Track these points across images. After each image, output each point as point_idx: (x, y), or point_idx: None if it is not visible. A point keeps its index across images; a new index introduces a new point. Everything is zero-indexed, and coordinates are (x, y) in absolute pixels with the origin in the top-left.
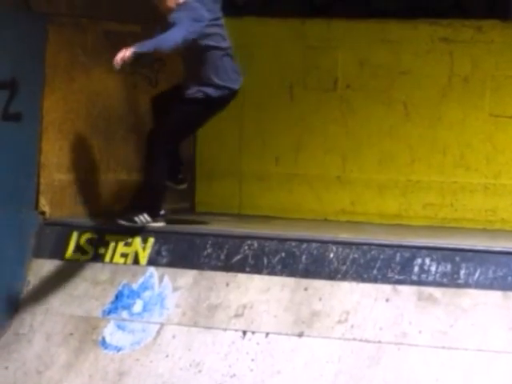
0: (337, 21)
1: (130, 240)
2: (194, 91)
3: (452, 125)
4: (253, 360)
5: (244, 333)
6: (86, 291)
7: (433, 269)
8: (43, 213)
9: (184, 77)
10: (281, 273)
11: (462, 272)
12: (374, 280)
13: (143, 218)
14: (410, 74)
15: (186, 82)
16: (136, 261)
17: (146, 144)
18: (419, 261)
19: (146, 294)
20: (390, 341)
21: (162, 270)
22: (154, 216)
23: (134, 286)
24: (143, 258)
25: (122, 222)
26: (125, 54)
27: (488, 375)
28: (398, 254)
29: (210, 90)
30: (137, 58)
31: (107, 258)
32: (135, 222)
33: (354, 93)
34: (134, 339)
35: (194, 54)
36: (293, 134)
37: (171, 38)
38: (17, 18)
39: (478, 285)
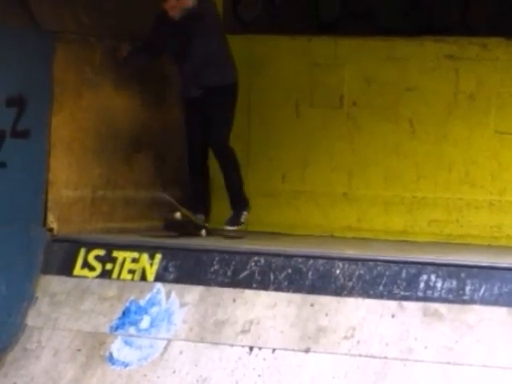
0: (343, 38)
1: (137, 256)
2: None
3: (457, 142)
4: (259, 376)
5: (251, 348)
6: (94, 307)
7: (438, 285)
8: (51, 229)
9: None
10: (287, 289)
11: (468, 288)
12: (380, 296)
13: (244, 215)
14: (416, 91)
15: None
16: (143, 277)
17: (219, 157)
18: (425, 277)
19: (154, 310)
20: (395, 356)
21: (169, 286)
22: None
23: (142, 302)
24: (150, 274)
25: (234, 228)
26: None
27: None
28: (404, 271)
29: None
30: None
31: (115, 275)
32: (243, 223)
33: (360, 110)
34: (141, 355)
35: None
36: (299, 151)
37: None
38: (25, 35)
39: (484, 301)
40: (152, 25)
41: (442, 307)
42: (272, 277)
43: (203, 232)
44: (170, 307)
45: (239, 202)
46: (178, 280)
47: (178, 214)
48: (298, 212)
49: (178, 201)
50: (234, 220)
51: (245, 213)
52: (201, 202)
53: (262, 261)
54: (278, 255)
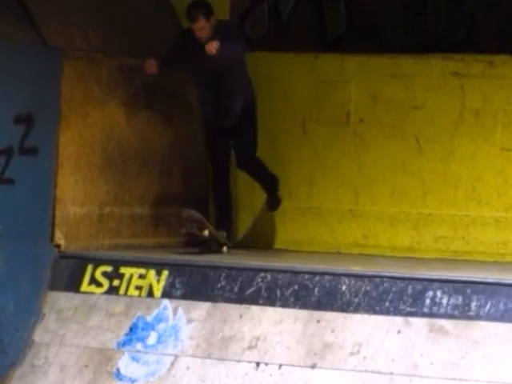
0: (349, 56)
1: (144, 272)
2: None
3: (464, 159)
4: None
5: (257, 364)
6: (101, 323)
7: (444, 301)
8: (58, 246)
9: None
10: (294, 305)
11: (473, 304)
12: (386, 312)
13: (279, 191)
14: (423, 108)
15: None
16: (150, 293)
17: (248, 169)
18: (431, 293)
19: (161, 326)
20: (401, 372)
21: (176, 302)
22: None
23: (149, 319)
24: (157, 290)
25: (275, 198)
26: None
27: None
28: (410, 287)
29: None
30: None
31: (122, 291)
32: (280, 199)
33: (366, 127)
34: (148, 371)
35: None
36: (306, 168)
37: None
38: (32, 52)
39: (489, 317)
40: (175, 38)
41: (447, 323)
42: (278, 293)
43: (225, 249)
44: (176, 323)
45: (271, 183)
46: (184, 296)
47: (206, 232)
48: (305, 228)
49: (188, 218)
50: (273, 202)
51: (279, 188)
52: (224, 219)
53: (269, 277)
54: (284, 271)
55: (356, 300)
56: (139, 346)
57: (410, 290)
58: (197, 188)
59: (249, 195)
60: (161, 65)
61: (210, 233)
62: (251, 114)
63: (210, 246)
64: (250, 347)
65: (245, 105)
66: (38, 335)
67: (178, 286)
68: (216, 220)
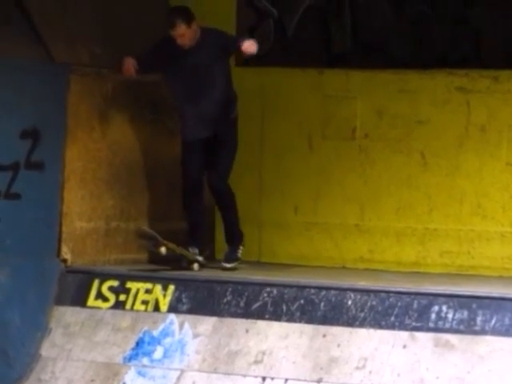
0: (355, 71)
1: (150, 287)
2: (233, 110)
3: (469, 174)
4: None
5: (263, 379)
6: (107, 338)
7: (450, 316)
8: (65, 260)
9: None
10: (300, 320)
11: (479, 319)
12: (392, 327)
13: (241, 250)
14: (428, 123)
15: (226, 103)
16: (157, 308)
17: (218, 198)
18: (436, 308)
19: (167, 341)
20: None
21: (182, 316)
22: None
23: (155, 333)
24: (164, 305)
25: (232, 265)
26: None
27: None
28: (416, 302)
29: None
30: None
31: (128, 305)
32: (240, 258)
33: (372, 142)
34: None
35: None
36: (312, 183)
37: None
38: (39, 68)
39: (495, 331)
40: (155, 43)
41: (453, 338)
42: (284, 308)
43: (195, 266)
44: (183, 338)
45: (235, 237)
46: (191, 311)
47: (163, 249)
48: (311, 243)
49: (142, 235)
50: (232, 256)
51: (241, 247)
52: (195, 236)
53: (275, 292)
54: (290, 286)
55: (362, 315)
56: (145, 360)
57: (415, 305)
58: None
59: (254, 209)
60: (138, 66)
61: (168, 249)
62: (231, 134)
63: (180, 263)
64: (256, 362)
65: (225, 118)
66: (45, 350)
67: (184, 300)
68: (187, 236)
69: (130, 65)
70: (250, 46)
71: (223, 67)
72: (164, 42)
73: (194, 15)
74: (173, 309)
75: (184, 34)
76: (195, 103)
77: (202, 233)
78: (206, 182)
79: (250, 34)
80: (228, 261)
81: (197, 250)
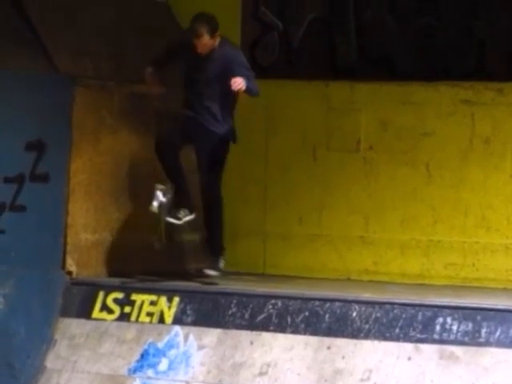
0: (359, 83)
1: (155, 299)
2: (226, 131)
3: (473, 186)
4: None
5: None
6: (112, 350)
7: (454, 328)
8: (70, 272)
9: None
10: (304, 331)
11: (483, 331)
12: (397, 339)
13: (222, 262)
14: (433, 135)
15: (216, 121)
16: (161, 320)
17: (206, 197)
18: (441, 320)
19: (172, 353)
20: None
21: (187, 328)
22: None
23: (160, 345)
24: (169, 316)
25: (216, 273)
26: (242, 83)
27: None
28: (420, 313)
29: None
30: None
31: (133, 317)
32: (222, 269)
33: (376, 154)
34: None
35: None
36: (316, 195)
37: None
38: (44, 80)
39: (499, 343)
40: (170, 43)
41: (458, 350)
42: (289, 319)
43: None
44: (188, 350)
45: (217, 247)
46: (195, 323)
47: (154, 204)
48: (315, 255)
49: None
50: (215, 265)
51: (222, 259)
52: (185, 196)
53: (279, 304)
54: (294, 298)
55: (366, 326)
56: (150, 372)
57: (420, 317)
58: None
59: (259, 221)
60: (155, 70)
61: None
62: (221, 150)
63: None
64: (261, 374)
65: (215, 135)
66: (50, 361)
67: (189, 312)
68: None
69: (151, 82)
70: (236, 82)
71: (224, 86)
72: (180, 46)
73: (218, 25)
74: (178, 321)
75: (206, 44)
76: (192, 109)
77: (189, 193)
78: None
79: (255, 46)
80: (213, 268)
81: (187, 211)
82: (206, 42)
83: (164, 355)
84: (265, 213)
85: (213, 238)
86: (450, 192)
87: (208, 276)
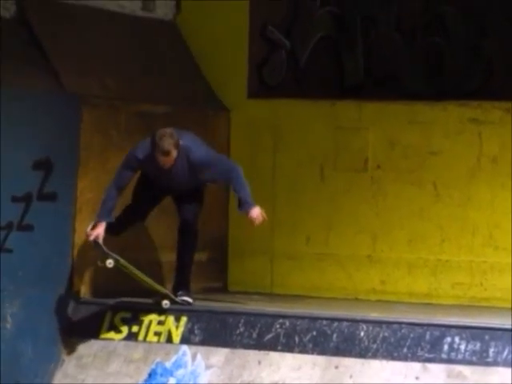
0: (367, 102)
1: (163, 319)
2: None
3: (481, 205)
4: None
5: None
6: (120, 369)
7: (462, 347)
8: (78, 292)
9: None
10: (312, 351)
11: (491, 350)
12: (404, 358)
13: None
14: (440, 154)
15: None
16: (169, 339)
17: (187, 233)
18: (449, 339)
19: (179, 372)
20: None
21: (194, 348)
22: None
23: (168, 365)
24: (176, 336)
25: (189, 300)
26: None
27: None
28: (428, 333)
29: None
30: None
31: (141, 337)
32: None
33: (384, 173)
34: None
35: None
36: (324, 214)
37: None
38: (51, 99)
39: (507, 363)
40: (128, 165)
41: (465, 369)
42: (297, 339)
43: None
44: (195, 369)
45: (186, 284)
46: (203, 342)
47: (109, 262)
48: (323, 274)
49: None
50: (189, 293)
51: (187, 294)
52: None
53: (287, 323)
54: (302, 318)
55: (374, 346)
56: None
57: (427, 336)
58: (215, 233)
59: (266, 240)
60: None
61: (120, 266)
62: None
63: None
64: None
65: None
66: (58, 381)
67: (196, 332)
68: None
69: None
70: (258, 216)
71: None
72: (138, 164)
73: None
74: (185, 340)
75: (173, 158)
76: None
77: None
78: (180, 216)
79: (262, 65)
80: (185, 295)
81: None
82: (173, 157)
83: (172, 375)
84: (272, 232)
85: (184, 275)
86: (458, 211)
87: (184, 301)
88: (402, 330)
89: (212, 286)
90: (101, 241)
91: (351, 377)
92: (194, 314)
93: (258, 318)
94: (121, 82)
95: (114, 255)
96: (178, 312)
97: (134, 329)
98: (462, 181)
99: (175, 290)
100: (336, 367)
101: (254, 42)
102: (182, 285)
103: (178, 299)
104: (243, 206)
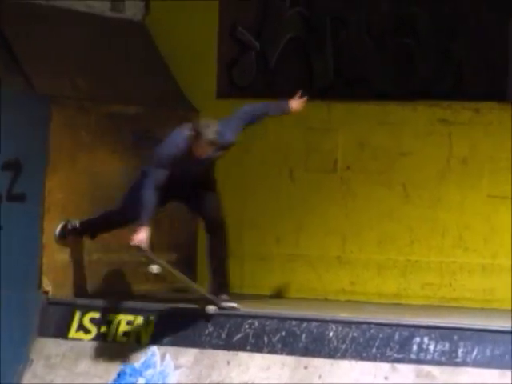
0: (337, 103)
1: (132, 319)
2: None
3: (451, 206)
4: None
5: None
6: (89, 369)
7: (431, 347)
8: (46, 292)
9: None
10: (281, 351)
11: (460, 351)
12: (373, 358)
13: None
14: (410, 155)
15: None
16: (138, 340)
17: (220, 231)
18: (418, 339)
19: (148, 373)
20: None
21: (163, 348)
22: None
23: (137, 365)
24: (145, 336)
25: (235, 305)
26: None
27: None
28: (397, 333)
29: None
30: None
31: (110, 337)
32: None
33: (354, 174)
34: None
35: None
36: (293, 215)
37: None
38: (21, 99)
39: (476, 363)
40: (165, 160)
41: (434, 369)
42: (266, 339)
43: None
44: (164, 369)
45: (227, 287)
46: (172, 343)
47: (154, 267)
48: (293, 275)
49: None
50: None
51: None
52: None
53: (256, 323)
54: (271, 318)
55: (343, 346)
56: None
57: (397, 337)
58: (184, 235)
59: (236, 241)
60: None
61: (164, 271)
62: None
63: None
64: None
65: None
66: (27, 381)
67: (165, 332)
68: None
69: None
70: (298, 103)
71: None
72: (174, 158)
73: None
74: (154, 341)
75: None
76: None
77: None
78: (205, 216)
79: (232, 66)
80: (229, 300)
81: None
82: (216, 145)
83: (141, 375)
84: (242, 233)
85: (226, 279)
86: (428, 212)
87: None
88: (371, 331)
89: (181, 286)
90: (145, 246)
91: (320, 377)
92: (162, 315)
93: (227, 319)
94: (91, 82)
95: (159, 260)
96: (147, 312)
97: (103, 329)
98: (432, 182)
99: (216, 294)
100: (305, 367)
101: (224, 42)
102: (223, 288)
103: (225, 305)
104: (283, 107)
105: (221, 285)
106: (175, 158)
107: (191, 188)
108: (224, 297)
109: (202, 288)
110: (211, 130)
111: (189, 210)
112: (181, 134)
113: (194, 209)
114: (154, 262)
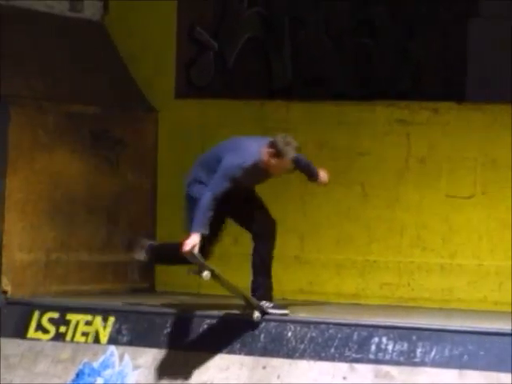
0: (295, 103)
1: (90, 319)
2: None
3: (409, 206)
4: None
5: None
6: (48, 369)
7: (390, 347)
8: (5, 292)
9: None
10: (239, 351)
11: (419, 350)
12: (332, 358)
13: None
14: (368, 155)
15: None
16: (97, 339)
17: (272, 238)
18: (376, 339)
19: (107, 373)
20: None
21: (122, 348)
22: None
23: (95, 365)
24: (104, 336)
25: (287, 312)
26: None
27: None
28: (356, 333)
29: None
30: None
31: (68, 337)
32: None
33: None
34: None
35: None
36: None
37: None
38: None
39: (435, 363)
40: (233, 178)
41: (393, 369)
42: (224, 339)
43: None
44: (123, 369)
45: (271, 293)
46: (131, 342)
47: (206, 274)
48: (250, 275)
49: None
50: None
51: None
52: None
53: (215, 323)
54: (230, 318)
55: (302, 346)
56: None
57: (355, 337)
58: (143, 233)
59: None
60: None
61: (215, 278)
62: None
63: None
64: None
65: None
66: None
67: (124, 332)
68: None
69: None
70: (326, 177)
71: None
72: (243, 173)
73: None
74: (113, 340)
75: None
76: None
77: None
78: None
79: (190, 66)
80: (278, 306)
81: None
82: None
83: (99, 375)
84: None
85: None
86: (386, 212)
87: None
88: (330, 331)
89: (139, 286)
90: (197, 252)
91: (279, 377)
92: (121, 315)
93: (186, 319)
94: (49, 82)
95: (210, 266)
96: (105, 312)
97: (62, 329)
98: (390, 181)
99: (261, 300)
100: (264, 367)
101: (182, 42)
102: (268, 293)
103: (277, 312)
104: (315, 171)
105: (266, 291)
106: (246, 172)
107: (243, 201)
108: (273, 305)
109: (250, 296)
110: (292, 147)
111: (237, 224)
112: (256, 149)
113: (243, 222)
114: (205, 269)
